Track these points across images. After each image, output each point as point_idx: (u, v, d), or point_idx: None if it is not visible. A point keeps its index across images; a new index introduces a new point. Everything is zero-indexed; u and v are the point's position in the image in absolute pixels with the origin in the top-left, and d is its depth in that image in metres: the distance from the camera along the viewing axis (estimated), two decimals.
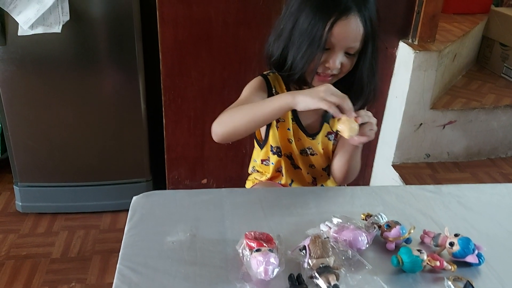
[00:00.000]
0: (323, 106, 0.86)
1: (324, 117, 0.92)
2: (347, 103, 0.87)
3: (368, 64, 1.03)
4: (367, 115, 0.91)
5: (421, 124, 1.89)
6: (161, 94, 1.81)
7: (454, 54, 2.02)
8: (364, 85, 1.05)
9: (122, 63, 1.79)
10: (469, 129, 1.95)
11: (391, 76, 1.89)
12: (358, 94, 1.05)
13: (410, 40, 1.84)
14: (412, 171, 1.91)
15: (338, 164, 1.14)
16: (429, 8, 1.78)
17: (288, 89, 1.12)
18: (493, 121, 1.96)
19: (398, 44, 1.86)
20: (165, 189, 2.02)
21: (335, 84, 0.95)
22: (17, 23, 1.59)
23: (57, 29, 1.61)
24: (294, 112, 1.13)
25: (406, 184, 1.80)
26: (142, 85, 1.82)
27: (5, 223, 1.94)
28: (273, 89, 1.11)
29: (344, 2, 0.94)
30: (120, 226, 1.95)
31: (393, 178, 1.88)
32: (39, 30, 1.60)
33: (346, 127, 0.88)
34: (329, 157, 1.21)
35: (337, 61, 0.98)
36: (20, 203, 1.97)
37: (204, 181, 2.03)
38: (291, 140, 1.16)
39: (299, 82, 1.05)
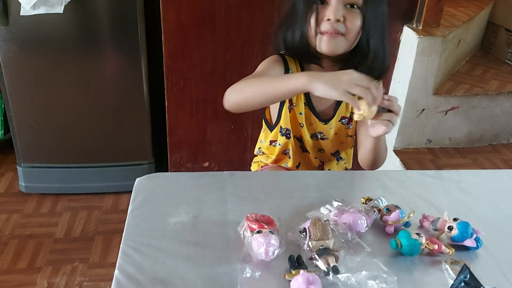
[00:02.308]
0: (346, 99, 0.81)
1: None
2: (372, 92, 0.82)
3: (378, 27, 1.02)
4: (393, 102, 0.89)
5: (424, 109, 1.89)
6: (164, 77, 1.81)
7: (459, 40, 2.01)
8: (376, 52, 1.03)
9: (125, 45, 1.78)
10: (471, 115, 1.95)
11: (394, 61, 1.89)
12: (370, 62, 1.03)
13: (414, 25, 1.83)
14: (413, 157, 1.92)
15: (364, 153, 1.10)
16: None
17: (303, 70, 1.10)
18: (495, 108, 1.96)
19: (402, 29, 1.85)
20: (167, 171, 2.03)
21: (348, 58, 0.99)
22: (19, 3, 1.58)
23: (59, 9, 1.60)
24: (307, 96, 1.12)
25: (407, 169, 1.81)
26: (145, 67, 1.82)
27: (8, 203, 1.96)
28: (290, 70, 1.10)
29: None
30: (122, 208, 1.97)
31: (394, 163, 1.89)
32: (41, 10, 1.59)
33: (363, 108, 0.84)
34: (341, 142, 1.20)
35: (337, 12, 0.96)
36: (24, 184, 1.98)
37: (206, 164, 2.05)
38: (302, 124, 1.15)
39: (310, 56, 1.05)
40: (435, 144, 1.99)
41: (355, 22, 0.99)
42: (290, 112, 1.14)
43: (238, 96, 0.96)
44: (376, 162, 1.10)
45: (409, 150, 1.96)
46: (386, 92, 1.93)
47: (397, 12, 1.83)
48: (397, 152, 1.92)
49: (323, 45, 1.00)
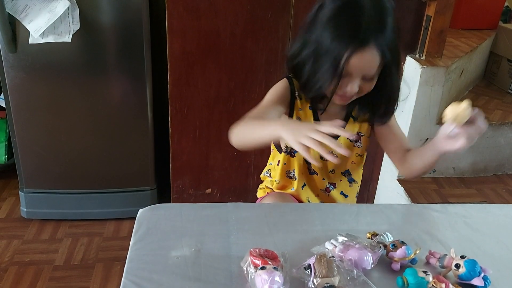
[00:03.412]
0: (299, 150, 0.80)
1: None
2: (336, 130, 0.80)
3: (392, 82, 1.04)
4: (480, 117, 0.88)
5: (427, 138, 1.89)
6: (168, 104, 1.82)
7: (461, 70, 2.02)
8: (388, 101, 1.07)
9: (130, 72, 1.80)
10: (475, 145, 1.91)
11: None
12: (382, 107, 1.07)
13: (417, 55, 1.85)
14: (417, 186, 1.90)
15: (418, 165, 1.09)
16: (437, 23, 1.79)
17: None
18: (500, 138, 1.96)
19: (405, 59, 1.86)
20: (169, 197, 2.02)
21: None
22: (28, 31, 1.61)
23: (67, 38, 1.62)
24: (315, 116, 1.13)
25: (411, 199, 1.79)
26: (150, 94, 1.83)
27: (9, 228, 1.95)
28: (296, 93, 1.12)
29: (362, 33, 0.93)
30: (124, 234, 1.95)
31: (398, 193, 1.87)
32: (50, 38, 1.62)
33: (454, 111, 0.84)
34: (351, 161, 1.20)
35: (355, 87, 0.99)
36: (25, 209, 1.97)
37: (208, 190, 2.04)
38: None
39: (314, 100, 1.07)
40: (439, 173, 1.98)
41: (370, 86, 1.02)
42: None
43: (237, 139, 0.98)
44: (426, 172, 1.10)
45: (413, 179, 1.94)
46: None
47: (399, 42, 1.85)
48: (401, 181, 1.90)
49: (337, 100, 1.04)
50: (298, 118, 1.14)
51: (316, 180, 1.21)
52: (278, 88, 1.12)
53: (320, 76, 0.98)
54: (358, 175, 1.25)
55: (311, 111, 1.13)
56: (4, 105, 1.83)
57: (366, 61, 0.96)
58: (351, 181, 1.24)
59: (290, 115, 1.14)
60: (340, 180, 1.23)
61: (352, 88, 0.99)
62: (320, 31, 0.98)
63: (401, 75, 1.10)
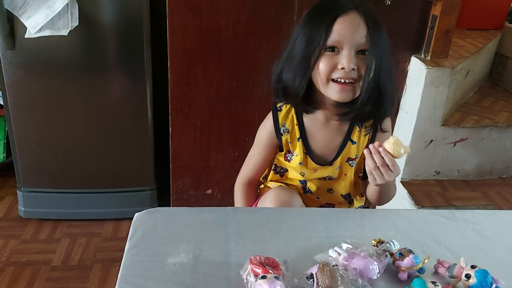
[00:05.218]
0: None
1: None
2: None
3: (386, 66, 0.99)
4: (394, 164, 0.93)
5: (432, 140, 1.85)
6: (168, 103, 1.79)
7: (467, 71, 1.99)
8: (384, 91, 1.00)
9: (130, 70, 1.77)
10: (480, 147, 1.91)
11: (402, 91, 1.86)
12: (378, 100, 1.01)
13: (422, 55, 1.81)
14: (421, 188, 1.87)
15: (369, 192, 1.13)
16: (442, 23, 1.75)
17: (300, 122, 1.09)
18: (505, 140, 1.92)
19: (410, 59, 1.83)
20: (169, 198, 1.99)
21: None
22: (26, 28, 1.58)
23: (64, 32, 1.59)
24: (306, 146, 1.11)
25: (415, 202, 1.76)
26: (150, 92, 1.80)
27: (7, 228, 1.92)
28: (281, 129, 1.10)
29: (342, 4, 0.95)
30: (122, 235, 1.92)
31: (402, 195, 1.84)
32: (46, 32, 1.58)
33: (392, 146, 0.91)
34: (354, 183, 1.17)
35: (351, 60, 0.94)
36: (23, 208, 1.95)
37: (209, 191, 2.01)
38: (303, 173, 1.14)
39: (315, 104, 1.04)
40: (444, 176, 1.94)
41: (365, 68, 0.97)
42: (289, 162, 1.14)
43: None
44: (380, 201, 1.11)
45: (417, 181, 1.91)
46: (393, 123, 1.91)
47: (405, 42, 1.82)
48: (404, 183, 1.87)
49: (334, 93, 0.98)
50: (289, 152, 1.12)
51: (310, 198, 1.19)
52: (263, 136, 1.13)
53: (308, 59, 0.96)
54: (358, 202, 1.22)
55: (300, 142, 1.10)
56: (2, 103, 1.80)
57: (351, 23, 0.93)
58: (351, 202, 1.21)
59: (281, 150, 1.14)
60: (340, 203, 1.20)
61: (348, 61, 0.93)
62: (303, 26, 0.98)
63: (397, 72, 1.05)
